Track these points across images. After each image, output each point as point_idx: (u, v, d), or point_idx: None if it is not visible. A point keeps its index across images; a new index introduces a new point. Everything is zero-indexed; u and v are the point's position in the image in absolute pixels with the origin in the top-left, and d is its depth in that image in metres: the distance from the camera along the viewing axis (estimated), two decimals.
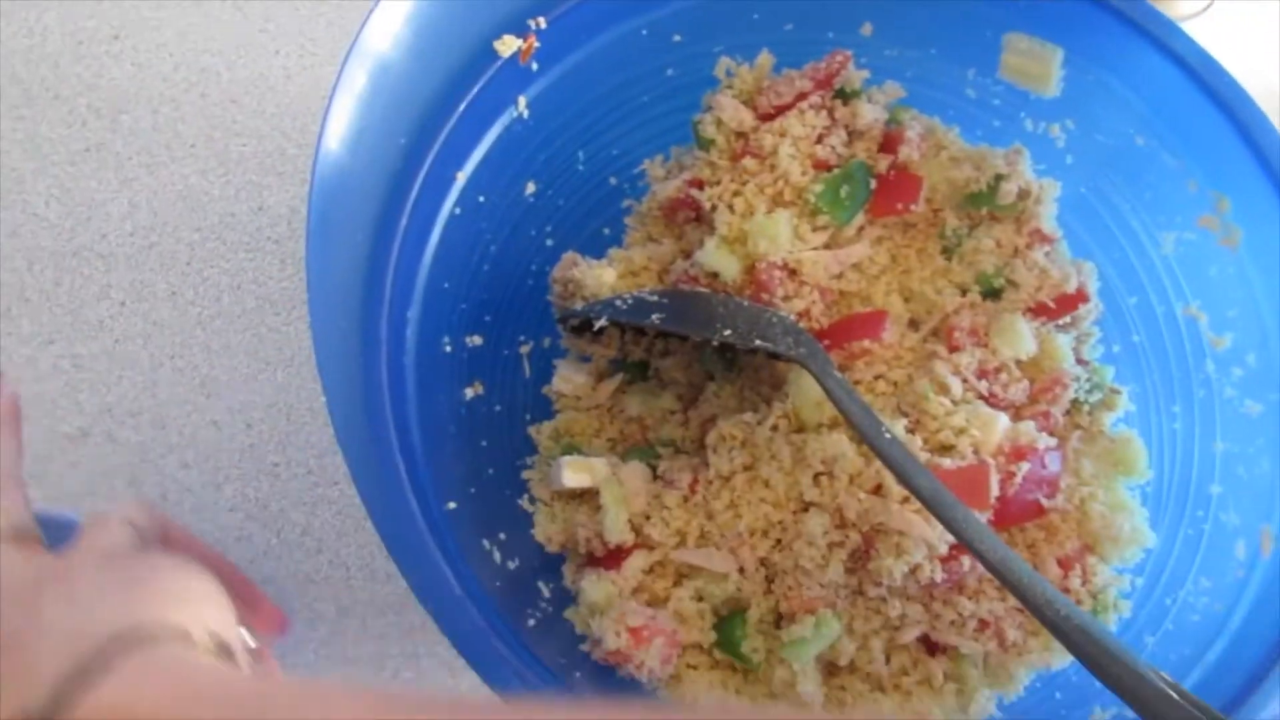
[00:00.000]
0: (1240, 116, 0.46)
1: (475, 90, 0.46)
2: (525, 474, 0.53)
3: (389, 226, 0.43)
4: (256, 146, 0.63)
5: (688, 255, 0.56)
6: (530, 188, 0.53)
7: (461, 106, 0.46)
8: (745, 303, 0.51)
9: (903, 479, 0.43)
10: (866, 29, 0.53)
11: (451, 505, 0.44)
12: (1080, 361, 0.53)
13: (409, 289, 0.45)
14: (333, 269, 0.40)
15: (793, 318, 0.51)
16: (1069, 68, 0.50)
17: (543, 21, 0.47)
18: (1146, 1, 0.48)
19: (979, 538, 0.41)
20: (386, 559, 0.56)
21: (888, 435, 0.44)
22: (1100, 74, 0.50)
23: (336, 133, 0.40)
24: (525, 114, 0.49)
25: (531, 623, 0.45)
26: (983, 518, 0.46)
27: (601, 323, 0.50)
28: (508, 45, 0.46)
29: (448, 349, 0.49)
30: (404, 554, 0.38)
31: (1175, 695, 0.36)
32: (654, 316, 0.50)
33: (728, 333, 0.48)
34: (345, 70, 0.41)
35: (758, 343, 0.48)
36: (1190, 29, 0.68)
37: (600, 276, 0.54)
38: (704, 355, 0.56)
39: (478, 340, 0.51)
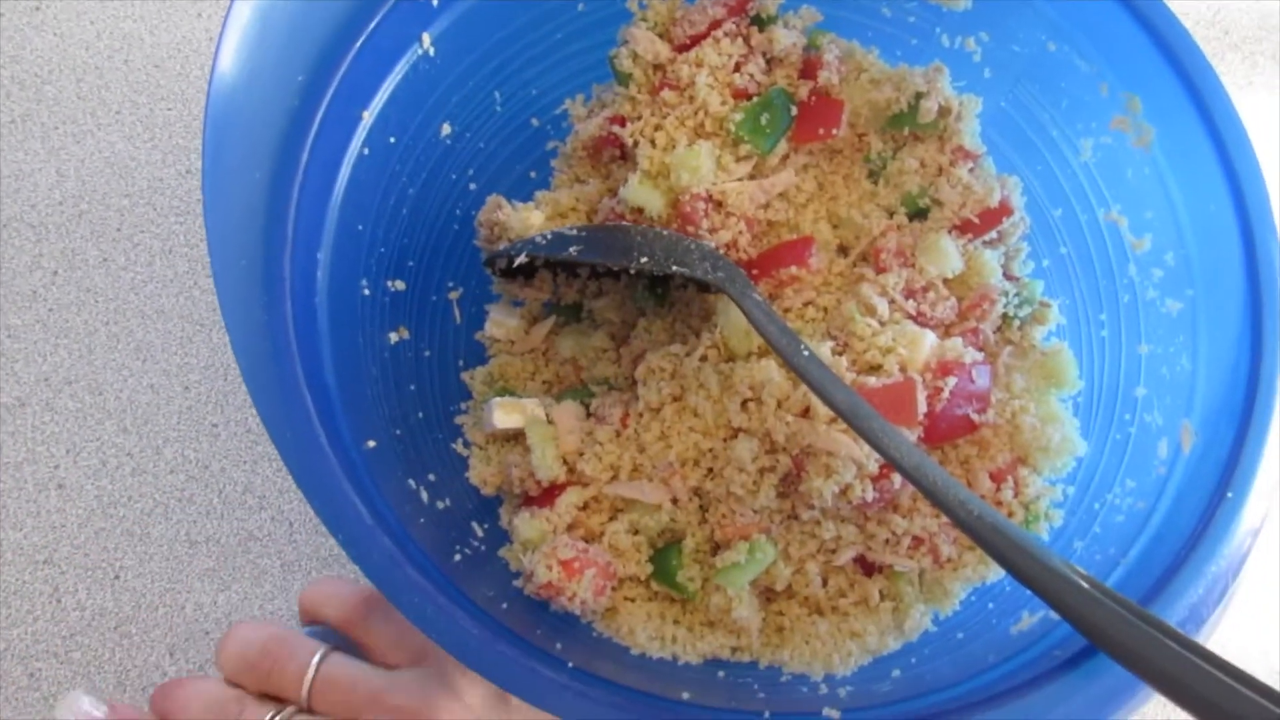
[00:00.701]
0: (1144, 11, 0.46)
1: (373, 25, 0.45)
2: (459, 419, 0.53)
3: (289, 164, 0.43)
4: (182, 110, 0.63)
5: (614, 194, 0.56)
6: (446, 129, 0.52)
7: (359, 41, 0.45)
8: (665, 232, 0.51)
9: (820, 394, 0.43)
10: None
11: (371, 444, 0.44)
12: (1010, 277, 0.53)
13: (317, 229, 0.45)
14: (230, 207, 0.40)
15: (711, 245, 0.51)
16: None
17: None
18: None
19: (895, 446, 0.41)
20: None
21: (805, 353, 0.44)
22: None
23: (228, 69, 0.40)
24: (431, 51, 0.49)
25: (458, 559, 0.45)
26: (913, 435, 0.46)
27: (521, 259, 0.50)
28: None
29: (366, 292, 0.48)
30: (311, 484, 0.38)
31: (1086, 585, 0.36)
32: (572, 249, 0.50)
33: (644, 260, 0.48)
34: (234, 5, 0.41)
35: (674, 268, 0.48)
36: None
37: (527, 219, 0.54)
38: (636, 293, 0.56)
39: (400, 285, 0.51)
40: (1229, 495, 0.40)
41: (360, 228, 0.48)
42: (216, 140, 0.40)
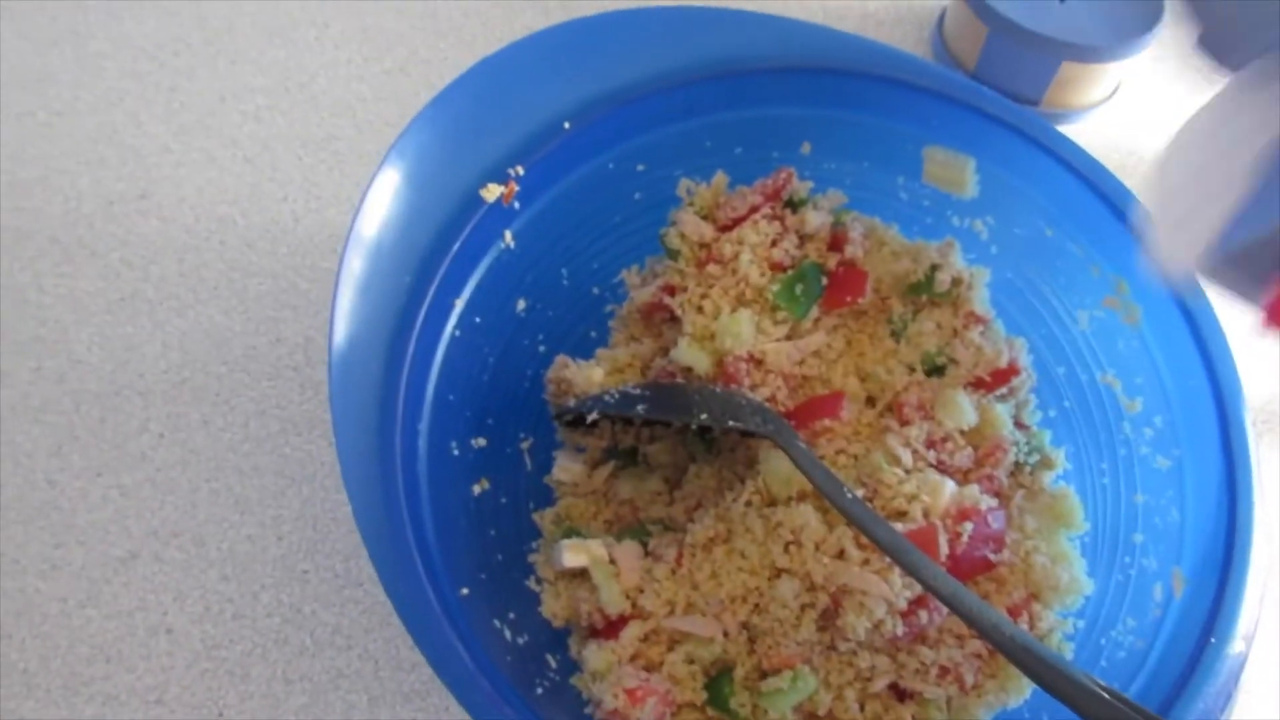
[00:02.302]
0: (1124, 208, 0.58)
1: (466, 231, 0.58)
2: (531, 557, 0.63)
3: (398, 355, 0.55)
4: (272, 285, 0.76)
5: (665, 352, 0.68)
6: (521, 304, 0.65)
7: (455, 246, 0.58)
8: (718, 389, 0.62)
9: (865, 531, 0.53)
10: (806, 148, 0.66)
11: (464, 591, 0.55)
12: (1021, 426, 0.64)
13: (419, 405, 0.57)
14: (352, 398, 0.52)
15: (759, 400, 0.62)
16: (982, 173, 0.63)
17: (520, 169, 0.59)
18: (1040, 118, 0.60)
19: (933, 576, 0.51)
20: (411, 650, 0.67)
21: (849, 495, 0.55)
22: (1008, 178, 0.62)
23: (351, 277, 0.53)
24: (512, 245, 0.62)
25: (540, 691, 0.56)
26: None
27: (593, 416, 0.62)
28: (492, 192, 0.59)
29: (455, 452, 0.60)
30: (423, 636, 0.48)
31: (1107, 694, 0.46)
32: (639, 407, 0.61)
33: (704, 416, 0.60)
34: (354, 229, 0.53)
35: (730, 423, 0.59)
36: (1100, 115, 0.82)
37: (589, 375, 0.66)
38: (686, 439, 0.67)
39: (482, 442, 0.62)
40: (1212, 640, 0.51)
41: (451, 397, 0.60)
42: (342, 344, 0.52)
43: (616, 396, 0.63)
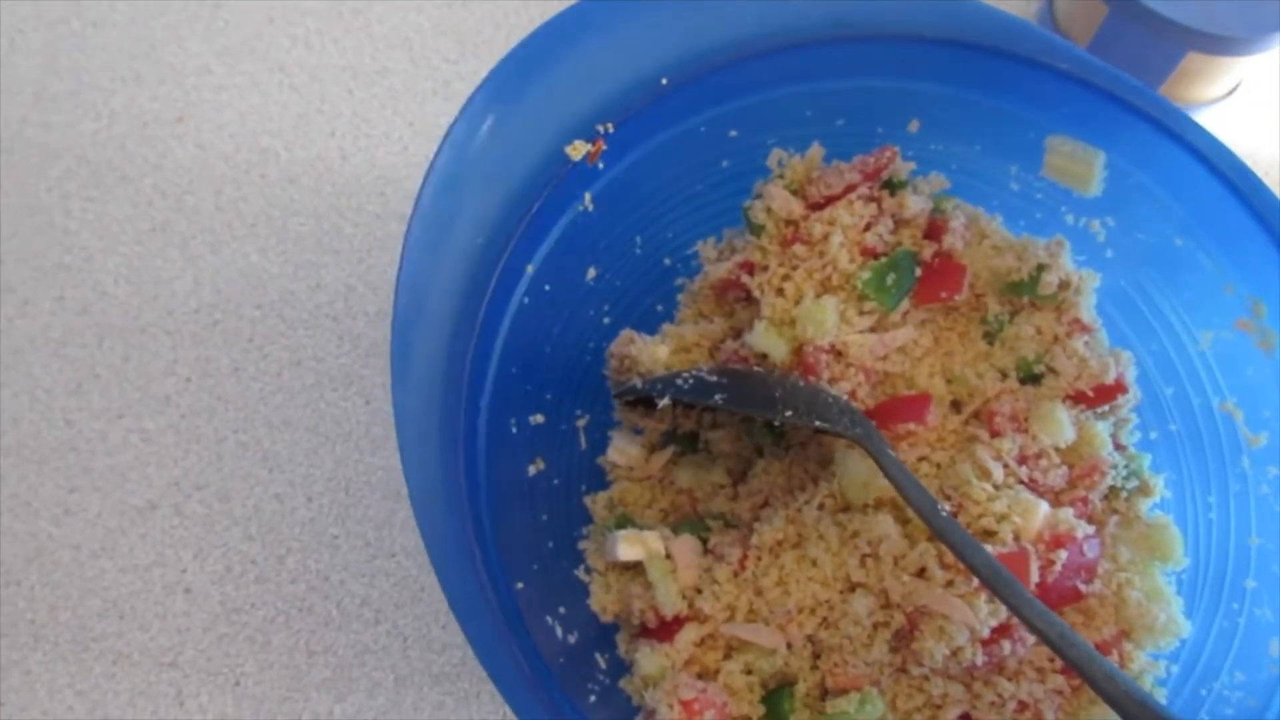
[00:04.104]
0: (1274, 223, 0.53)
1: (547, 191, 0.54)
2: (581, 544, 0.60)
3: (466, 324, 0.51)
4: (314, 226, 0.71)
5: (737, 334, 0.63)
6: (591, 272, 0.60)
7: (535, 206, 0.53)
8: (800, 383, 0.58)
9: (962, 556, 0.49)
10: (914, 126, 0.61)
11: (520, 585, 0.51)
12: (1118, 446, 0.60)
13: (482, 379, 0.52)
14: (414, 373, 0.48)
15: (846, 399, 0.58)
16: (1110, 169, 0.58)
17: (610, 126, 0.55)
18: (1187, 115, 0.55)
19: (1037, 615, 0.47)
20: (443, 629, 0.64)
21: (944, 513, 0.51)
22: (1141, 177, 0.57)
23: (419, 238, 0.48)
24: (590, 208, 0.57)
25: (593, 699, 0.52)
26: None
27: (664, 401, 0.58)
28: (578, 150, 0.54)
29: (514, 430, 0.56)
30: (481, 643, 0.45)
31: None
32: (717, 397, 0.57)
33: (789, 414, 0.55)
34: (427, 183, 0.49)
35: (818, 424, 0.55)
36: (1215, 113, 0.76)
37: (655, 353, 0.62)
38: (752, 428, 0.63)
39: (540, 419, 0.58)
40: None
41: (513, 370, 0.56)
42: (407, 311, 0.47)
43: (690, 382, 0.58)
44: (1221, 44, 0.72)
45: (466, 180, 0.50)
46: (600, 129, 0.54)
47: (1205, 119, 0.81)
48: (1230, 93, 0.81)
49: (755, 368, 0.60)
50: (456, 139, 0.49)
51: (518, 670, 0.46)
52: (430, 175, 0.49)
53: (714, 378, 0.59)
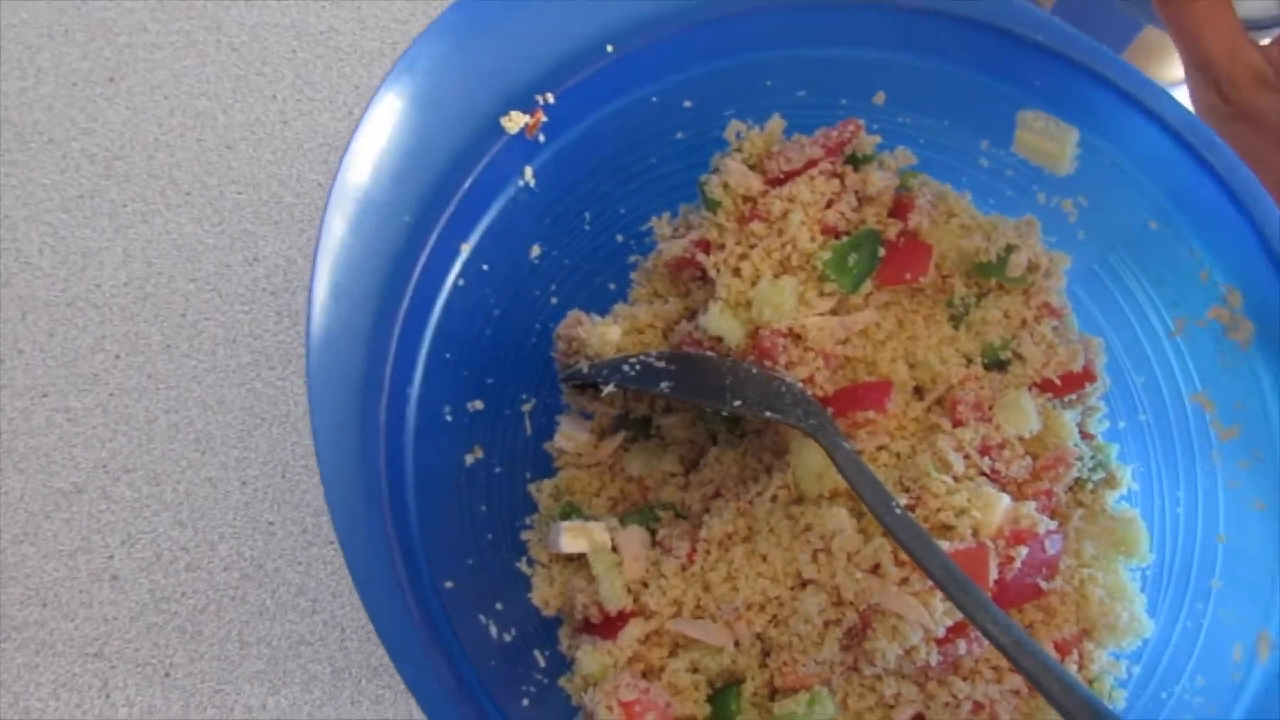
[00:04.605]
0: (1255, 215, 0.50)
1: (481, 165, 0.50)
2: (524, 534, 0.58)
3: (390, 308, 0.47)
4: (252, 195, 0.68)
5: (692, 315, 0.60)
6: (535, 250, 0.57)
7: (467, 182, 0.50)
8: (754, 369, 0.55)
9: (915, 556, 0.47)
10: (879, 97, 0.58)
11: (449, 584, 0.48)
12: (1084, 435, 0.58)
13: (410, 366, 0.49)
14: (334, 360, 0.45)
15: (801, 386, 0.55)
16: (1084, 147, 0.55)
17: (550, 97, 0.51)
18: (1169, 93, 0.52)
19: (992, 620, 0.44)
20: None
21: (898, 510, 0.48)
22: (1116, 156, 0.54)
23: (338, 217, 0.45)
24: (531, 183, 0.54)
25: (526, 702, 0.50)
26: None
27: (609, 388, 0.55)
28: (515, 121, 0.50)
29: (449, 418, 0.53)
30: (397, 650, 0.43)
31: None
32: (663, 385, 0.54)
33: (738, 403, 0.52)
34: (349, 153, 0.45)
35: (768, 415, 0.52)
36: (1183, 95, 0.73)
37: (605, 334, 0.59)
38: (706, 414, 0.60)
39: (479, 405, 0.56)
40: None
41: (448, 355, 0.53)
42: (326, 296, 0.44)
43: (637, 368, 0.55)
44: None
45: (389, 155, 0.47)
46: (539, 99, 0.51)
47: None
48: None
49: (708, 353, 0.57)
50: (377, 113, 0.46)
51: (438, 679, 0.44)
52: (350, 148, 0.45)
53: (662, 363, 0.55)
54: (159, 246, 0.66)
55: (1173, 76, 0.78)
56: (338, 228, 0.45)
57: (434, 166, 0.49)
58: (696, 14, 0.53)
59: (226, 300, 0.66)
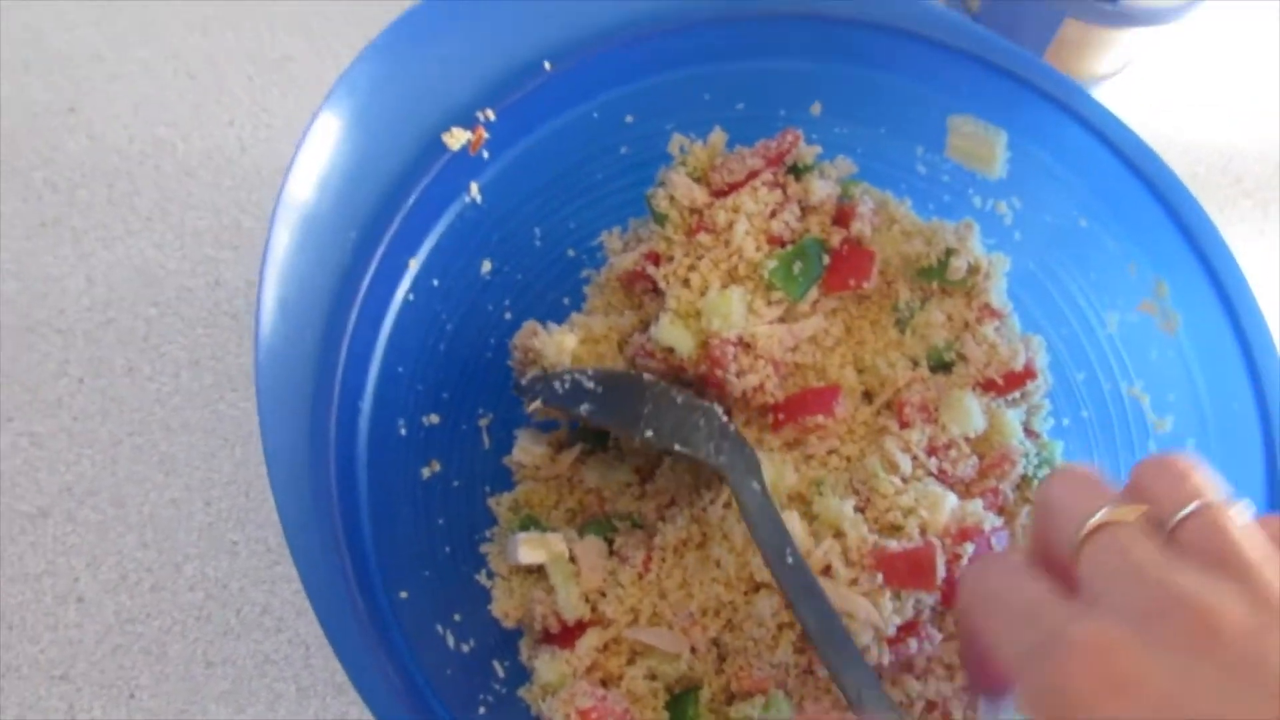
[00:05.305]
0: (1174, 204, 0.51)
1: (425, 182, 0.51)
2: (484, 548, 0.58)
3: (338, 322, 0.48)
4: (213, 220, 0.68)
5: (646, 326, 0.60)
6: (486, 266, 0.58)
7: (412, 199, 0.50)
8: (679, 399, 0.55)
9: (795, 606, 0.48)
10: (816, 108, 0.58)
11: (403, 594, 0.48)
12: (1030, 433, 0.58)
13: (360, 380, 0.50)
14: (282, 373, 0.45)
15: (724, 419, 0.55)
16: (1013, 149, 0.55)
17: (491, 114, 0.52)
18: (1086, 91, 0.53)
19: (856, 682, 0.46)
20: None
21: (790, 560, 0.49)
22: (1043, 157, 0.55)
23: (283, 235, 0.45)
24: (478, 199, 0.54)
25: (483, 710, 0.50)
26: (931, 598, 0.51)
27: (534, 405, 0.55)
28: (456, 138, 0.51)
29: (403, 432, 0.53)
30: (346, 652, 0.43)
31: None
32: (583, 407, 0.54)
33: (649, 434, 0.53)
34: (289, 177, 0.46)
35: (677, 448, 0.52)
36: (1102, 93, 0.74)
37: (561, 343, 0.59)
38: None
39: (435, 419, 0.56)
40: None
41: (400, 369, 0.53)
42: (272, 310, 0.45)
43: (567, 385, 0.55)
44: (1100, 14, 0.69)
45: (332, 173, 0.47)
46: (480, 116, 0.51)
47: (1097, 96, 0.79)
48: (1119, 71, 0.78)
49: (639, 374, 0.57)
50: (319, 132, 0.46)
51: (389, 686, 0.44)
52: (293, 166, 0.46)
53: (590, 384, 0.55)
54: (121, 272, 0.66)
55: (1095, 71, 0.78)
56: (283, 245, 0.45)
57: (377, 183, 0.49)
58: (632, 30, 0.53)
59: (189, 324, 0.66)
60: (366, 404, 0.50)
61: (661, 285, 0.58)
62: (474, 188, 0.54)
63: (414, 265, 0.52)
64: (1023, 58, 0.53)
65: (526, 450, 0.61)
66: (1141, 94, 0.83)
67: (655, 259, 0.60)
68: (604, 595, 0.54)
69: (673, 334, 0.57)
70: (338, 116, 0.47)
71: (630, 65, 0.55)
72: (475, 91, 0.51)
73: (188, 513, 0.62)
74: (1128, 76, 0.80)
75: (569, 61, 0.53)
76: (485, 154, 0.53)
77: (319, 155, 0.47)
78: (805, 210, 0.59)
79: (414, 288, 0.53)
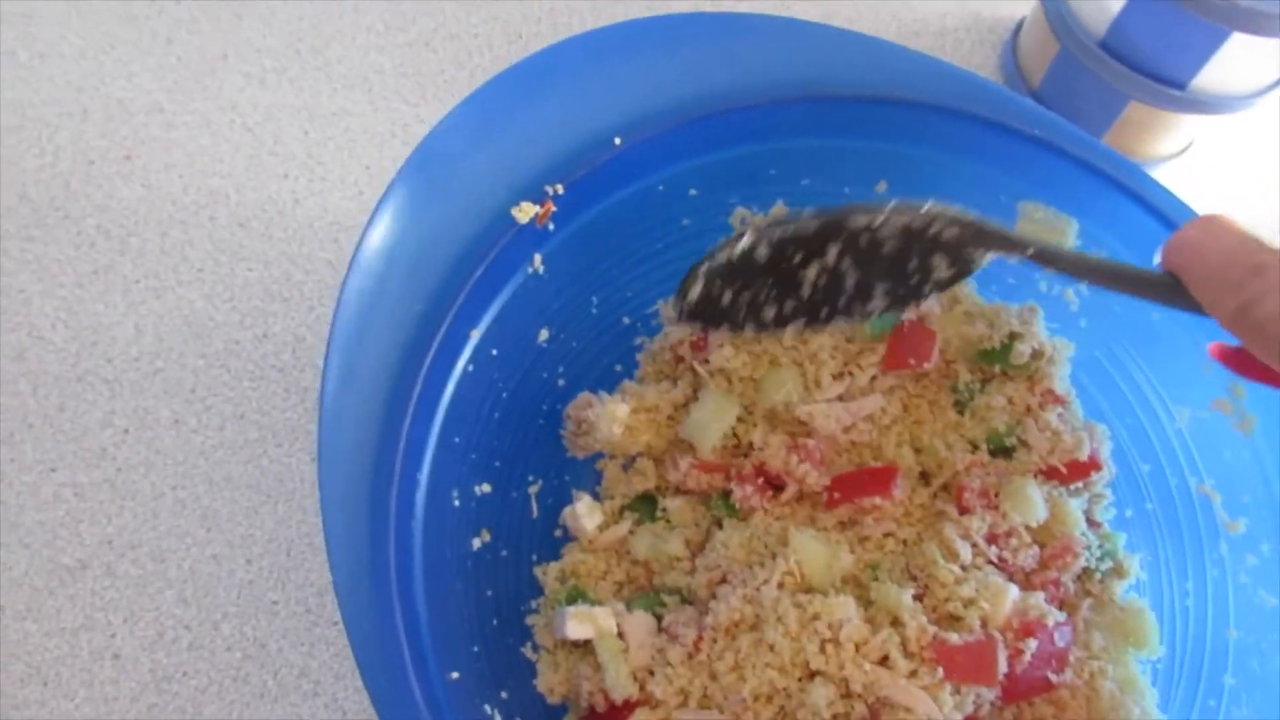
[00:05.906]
0: None
1: (492, 255, 0.50)
2: (530, 619, 0.56)
3: (401, 397, 0.47)
4: (263, 272, 0.67)
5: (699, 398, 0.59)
6: (544, 334, 0.57)
7: (478, 272, 0.49)
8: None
9: None
10: (881, 186, 0.57)
11: (455, 675, 0.47)
12: (1091, 523, 0.57)
13: (420, 453, 0.48)
14: (344, 448, 0.44)
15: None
16: (1082, 236, 0.54)
17: (560, 188, 0.51)
18: (1152, 178, 0.51)
19: None
20: None
21: None
22: (1115, 247, 0.54)
23: (351, 310, 0.45)
24: (541, 269, 0.53)
25: None
26: (990, 693, 0.49)
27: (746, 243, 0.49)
28: (525, 212, 0.50)
29: (456, 503, 0.52)
30: None
31: None
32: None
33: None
34: (362, 245, 0.45)
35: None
36: (1165, 173, 0.73)
37: (614, 413, 0.58)
38: (712, 501, 0.59)
39: (486, 488, 0.54)
40: None
41: (457, 439, 0.52)
42: (336, 387, 0.44)
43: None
44: (1166, 98, 0.68)
45: (403, 246, 0.46)
46: (549, 190, 0.50)
47: (1157, 176, 0.78)
48: (1182, 151, 0.77)
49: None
50: (392, 204, 0.46)
51: None
52: (363, 242, 0.45)
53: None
54: (170, 322, 0.66)
55: (1159, 152, 0.77)
56: (350, 320, 0.45)
57: (447, 257, 0.48)
58: (698, 107, 0.53)
59: (235, 376, 0.65)
60: (424, 475, 0.49)
61: (709, 370, 0.58)
62: (537, 259, 0.53)
63: (475, 336, 0.51)
64: (1094, 146, 0.52)
65: (576, 518, 0.59)
66: (1204, 176, 0.82)
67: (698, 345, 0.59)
68: (652, 674, 0.53)
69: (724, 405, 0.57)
70: (410, 189, 0.46)
71: (697, 142, 0.54)
72: (546, 166, 0.50)
73: (228, 570, 0.61)
74: (1190, 157, 0.79)
75: (637, 136, 0.52)
76: (551, 226, 0.52)
77: (390, 228, 0.46)
78: None
79: (473, 358, 0.51)
